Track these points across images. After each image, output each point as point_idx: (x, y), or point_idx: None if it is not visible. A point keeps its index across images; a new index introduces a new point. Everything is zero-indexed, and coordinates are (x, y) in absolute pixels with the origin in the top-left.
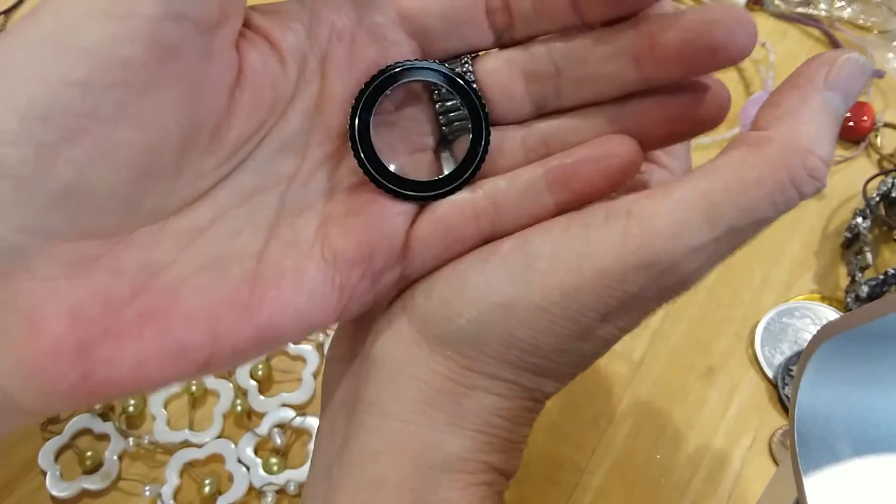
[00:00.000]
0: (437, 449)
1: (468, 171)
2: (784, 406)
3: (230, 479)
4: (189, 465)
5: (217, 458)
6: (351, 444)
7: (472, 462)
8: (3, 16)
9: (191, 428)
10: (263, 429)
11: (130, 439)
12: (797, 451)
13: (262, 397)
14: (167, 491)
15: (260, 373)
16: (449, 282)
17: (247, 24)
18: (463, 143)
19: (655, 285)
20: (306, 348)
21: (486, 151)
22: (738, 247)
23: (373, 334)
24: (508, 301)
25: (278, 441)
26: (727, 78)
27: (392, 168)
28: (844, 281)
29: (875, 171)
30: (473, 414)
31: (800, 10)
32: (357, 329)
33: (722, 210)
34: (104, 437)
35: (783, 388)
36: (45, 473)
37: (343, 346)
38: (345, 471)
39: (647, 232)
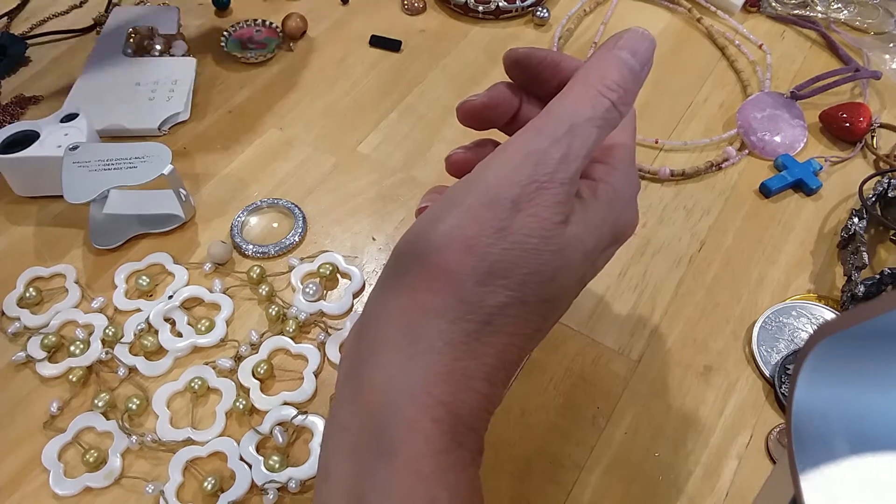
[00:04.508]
0: (384, 388)
1: None
2: (781, 404)
3: (232, 476)
4: (191, 463)
5: (219, 456)
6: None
7: (415, 395)
8: (6, 18)
9: (193, 426)
10: (265, 427)
11: (133, 437)
12: (794, 450)
13: (263, 395)
14: (170, 488)
15: (262, 371)
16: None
17: None
18: None
19: (541, 169)
20: (308, 347)
21: None
22: (586, 145)
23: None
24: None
25: (280, 439)
26: (726, 79)
27: None
28: (841, 280)
29: (871, 171)
30: (415, 340)
31: (796, 12)
32: None
33: (562, 114)
34: (107, 435)
35: (780, 387)
36: (48, 471)
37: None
38: (329, 420)
39: (524, 136)
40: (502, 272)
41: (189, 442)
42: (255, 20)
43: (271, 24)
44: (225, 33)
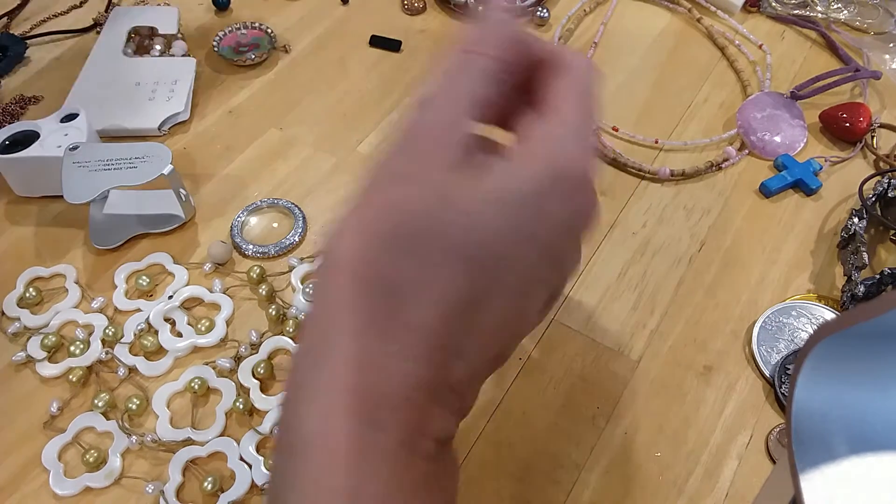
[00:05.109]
0: (298, 385)
1: None
2: (781, 404)
3: (232, 476)
4: (191, 463)
5: (219, 456)
6: None
7: (325, 385)
8: (6, 18)
9: (193, 426)
10: (265, 427)
11: (133, 437)
12: (794, 450)
13: (263, 396)
14: (170, 488)
15: (262, 371)
16: None
17: None
18: None
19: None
20: None
21: None
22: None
23: None
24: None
25: None
26: (726, 80)
27: None
28: (841, 280)
29: (871, 171)
30: (325, 333)
31: (796, 12)
32: None
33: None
34: (107, 435)
35: (780, 387)
36: (48, 471)
37: None
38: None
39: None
40: (400, 245)
41: (189, 442)
42: (236, 24)
43: (254, 24)
44: (214, 44)
